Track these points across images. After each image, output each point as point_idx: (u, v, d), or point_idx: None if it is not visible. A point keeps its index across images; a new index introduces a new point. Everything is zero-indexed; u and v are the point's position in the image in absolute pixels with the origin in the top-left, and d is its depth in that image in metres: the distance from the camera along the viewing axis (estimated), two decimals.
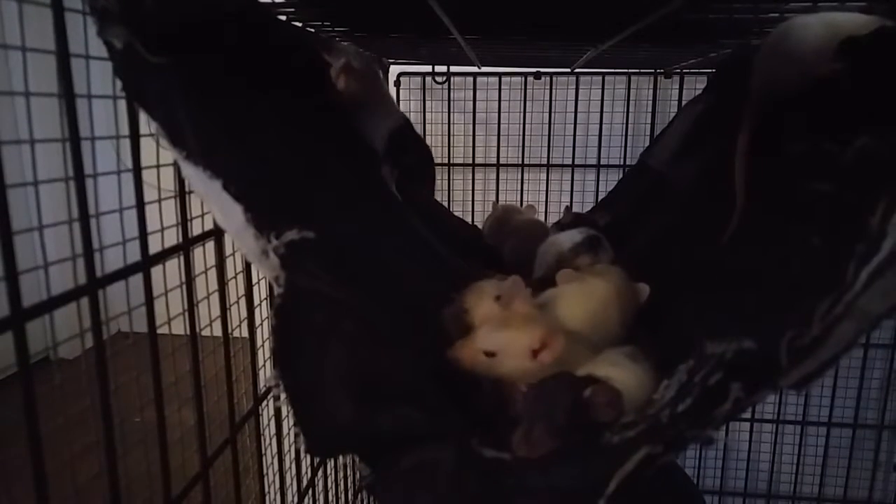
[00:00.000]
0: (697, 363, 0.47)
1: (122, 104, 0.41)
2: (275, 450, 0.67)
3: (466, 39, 0.79)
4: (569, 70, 1.20)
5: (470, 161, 1.29)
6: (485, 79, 1.26)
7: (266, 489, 0.65)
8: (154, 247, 0.44)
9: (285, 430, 0.67)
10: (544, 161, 1.28)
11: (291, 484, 0.71)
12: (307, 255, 0.48)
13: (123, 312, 0.46)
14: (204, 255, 0.52)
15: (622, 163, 1.26)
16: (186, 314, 0.48)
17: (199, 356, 0.50)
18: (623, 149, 1.26)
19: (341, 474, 0.92)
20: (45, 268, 0.38)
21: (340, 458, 0.87)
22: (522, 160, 1.29)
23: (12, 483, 0.37)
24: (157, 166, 0.47)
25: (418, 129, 1.27)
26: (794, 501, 1.32)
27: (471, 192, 1.30)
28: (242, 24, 0.53)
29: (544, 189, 1.29)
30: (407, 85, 1.28)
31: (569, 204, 1.25)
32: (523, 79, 1.25)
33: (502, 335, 0.56)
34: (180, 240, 0.47)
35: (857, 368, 1.24)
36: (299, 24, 0.76)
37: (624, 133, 1.25)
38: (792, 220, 0.52)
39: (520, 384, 0.54)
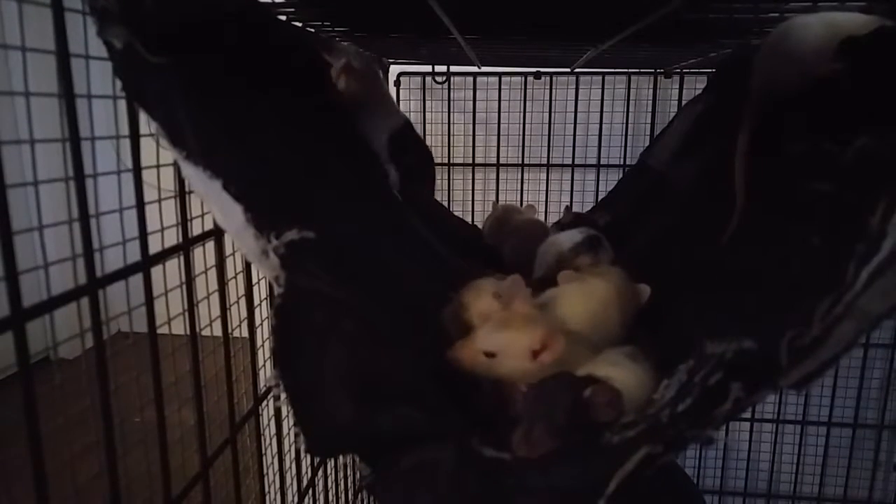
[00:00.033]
0: (697, 363, 0.47)
1: (122, 104, 0.41)
2: (275, 450, 0.67)
3: (466, 39, 0.79)
4: (569, 70, 1.20)
5: (470, 161, 1.29)
6: (485, 79, 1.26)
7: (266, 489, 0.65)
8: (154, 247, 0.44)
9: (285, 430, 0.67)
10: (544, 161, 1.28)
11: (291, 484, 0.71)
12: (307, 255, 0.48)
13: (123, 312, 0.46)
14: (204, 255, 0.52)
15: (622, 163, 1.26)
16: (186, 314, 0.48)
17: (199, 356, 0.50)
18: (623, 149, 1.26)
19: (341, 474, 0.92)
20: (45, 268, 0.38)
21: (340, 458, 0.87)
22: (522, 160, 1.29)
23: (12, 483, 0.37)
24: (157, 166, 0.47)
25: (418, 129, 1.27)
26: (794, 501, 1.32)
27: (471, 192, 1.30)
28: (242, 24, 0.53)
29: (544, 189, 1.29)
30: (407, 85, 1.28)
31: (569, 204, 1.25)
32: (523, 79, 1.25)
33: (502, 336, 0.56)
34: (180, 240, 0.47)
35: (857, 368, 1.24)
36: (299, 24, 0.76)
37: (624, 133, 1.25)
38: (792, 219, 0.52)
39: (520, 384, 0.54)
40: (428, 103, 1.28)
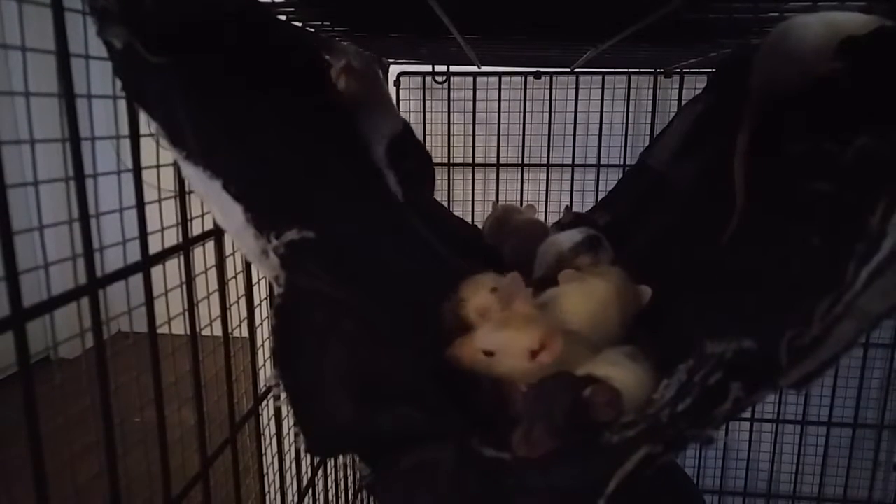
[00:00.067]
0: (697, 363, 0.47)
1: (122, 104, 0.41)
2: (275, 449, 0.67)
3: (466, 39, 0.79)
4: (569, 70, 1.20)
5: (470, 161, 1.29)
6: (485, 78, 1.26)
7: (266, 489, 0.65)
8: (154, 247, 0.44)
9: (285, 430, 0.67)
10: (544, 161, 1.28)
11: (291, 484, 0.71)
12: (307, 255, 0.48)
13: (123, 312, 0.46)
14: (204, 255, 0.52)
15: (622, 162, 1.26)
16: (186, 314, 0.48)
17: (199, 356, 0.50)
18: (623, 148, 1.26)
19: (341, 474, 0.92)
20: (45, 268, 0.38)
21: (340, 457, 0.87)
22: (522, 160, 1.29)
23: (12, 483, 0.37)
24: (157, 166, 0.47)
25: (418, 128, 1.27)
26: (794, 501, 1.32)
27: (471, 191, 1.30)
28: (242, 24, 0.53)
29: (544, 189, 1.29)
30: (407, 85, 1.28)
31: (569, 204, 1.25)
32: (523, 78, 1.25)
33: (501, 335, 0.56)
34: (180, 240, 0.47)
35: (857, 368, 1.24)
36: (299, 24, 0.76)
37: (624, 133, 1.25)
38: (792, 219, 0.52)
39: (519, 384, 0.54)
40: (428, 103, 1.28)
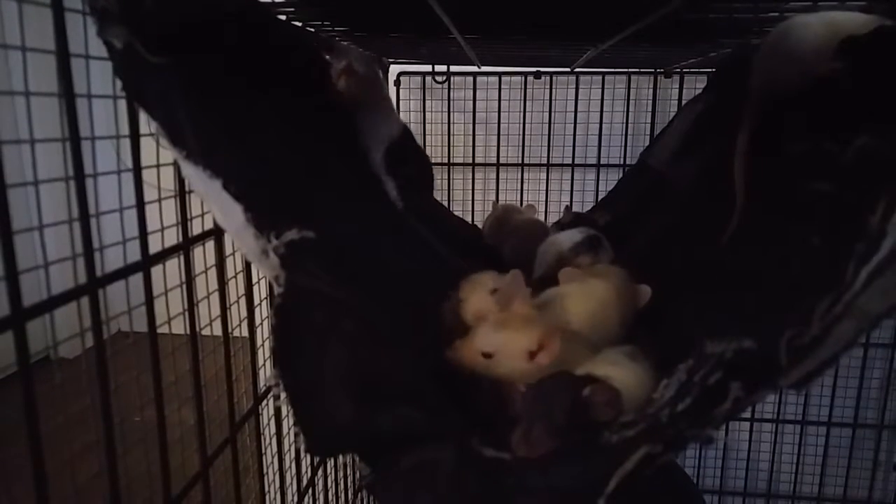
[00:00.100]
0: (697, 362, 0.47)
1: (122, 104, 0.41)
2: (275, 449, 0.67)
3: (466, 39, 0.79)
4: (569, 69, 1.20)
5: (470, 161, 1.29)
6: (485, 78, 1.26)
7: (266, 488, 0.65)
8: (154, 246, 0.44)
9: (285, 430, 0.67)
10: (544, 161, 1.28)
11: (291, 483, 0.71)
12: (307, 255, 0.48)
13: (123, 312, 0.46)
14: (204, 255, 0.52)
15: (622, 162, 1.26)
16: (186, 314, 0.48)
17: (199, 356, 0.50)
18: (623, 148, 1.26)
19: (341, 474, 0.92)
20: (45, 267, 0.38)
21: (340, 457, 0.87)
22: (522, 160, 1.29)
23: (12, 482, 0.37)
24: (157, 166, 0.47)
25: (418, 128, 1.27)
26: (794, 501, 1.32)
27: (471, 191, 1.30)
28: (242, 24, 0.53)
29: (544, 189, 1.29)
30: (407, 84, 1.28)
31: (569, 203, 1.25)
32: (523, 78, 1.25)
33: (500, 336, 0.56)
34: (180, 239, 0.47)
35: (856, 368, 1.24)
36: (299, 24, 0.76)
37: (624, 133, 1.25)
38: (792, 219, 0.52)
39: (519, 384, 0.54)
40: (428, 103, 1.28)
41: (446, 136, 1.28)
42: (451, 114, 1.27)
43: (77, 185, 0.36)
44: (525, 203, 1.23)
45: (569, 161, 1.28)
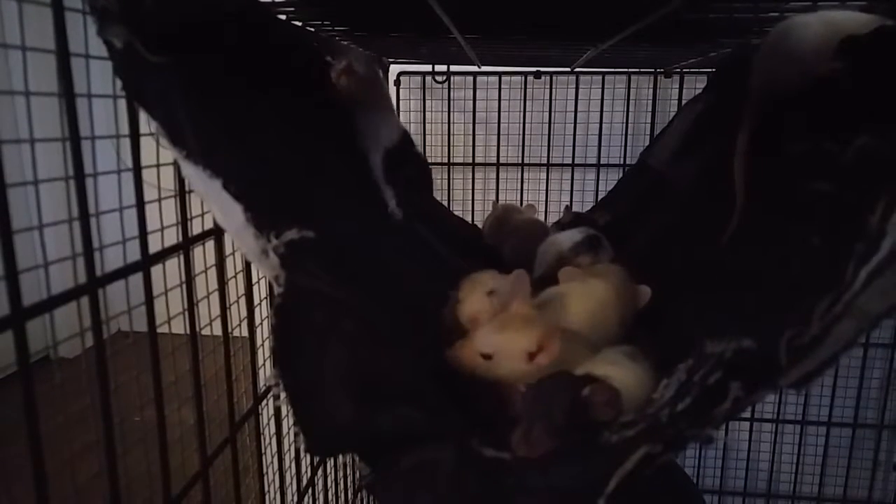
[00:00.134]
0: (697, 362, 0.47)
1: (122, 104, 0.41)
2: (274, 449, 0.67)
3: (466, 39, 0.79)
4: (569, 69, 1.20)
5: (470, 160, 1.29)
6: (485, 78, 1.26)
7: (266, 488, 0.65)
8: (154, 246, 0.44)
9: (285, 430, 0.67)
10: (544, 160, 1.28)
11: (291, 483, 0.71)
12: (307, 255, 0.48)
13: (123, 312, 0.46)
14: (204, 255, 0.52)
15: (622, 162, 1.26)
16: (186, 313, 0.48)
17: (198, 355, 0.50)
18: (623, 148, 1.26)
19: (341, 473, 0.92)
20: (45, 267, 0.38)
21: (340, 457, 0.87)
22: (522, 159, 1.29)
23: (12, 482, 0.37)
24: (157, 166, 0.47)
25: (418, 128, 1.27)
26: (794, 501, 1.32)
27: (471, 191, 1.30)
28: (242, 24, 0.53)
29: (544, 188, 1.29)
30: (407, 84, 1.28)
31: (569, 203, 1.25)
32: (523, 78, 1.25)
33: (499, 338, 0.56)
34: (180, 239, 0.47)
35: (856, 368, 1.24)
36: (299, 24, 0.76)
37: (624, 132, 1.25)
38: (792, 219, 0.52)
39: (518, 385, 0.54)
40: (428, 103, 1.28)
41: (446, 136, 1.28)
42: (451, 114, 1.27)
43: (77, 184, 0.36)
44: (525, 203, 1.23)
45: (569, 161, 1.28)
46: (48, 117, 0.37)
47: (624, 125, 1.25)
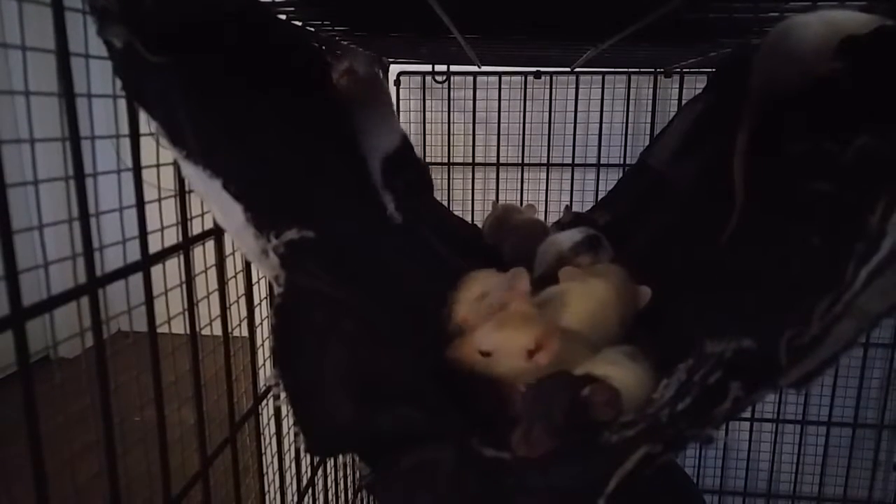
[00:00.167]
0: (697, 362, 0.47)
1: (122, 103, 0.41)
2: (274, 449, 0.67)
3: (466, 39, 0.79)
4: (569, 69, 1.20)
5: (470, 160, 1.29)
6: (485, 78, 1.26)
7: (266, 488, 0.65)
8: (154, 246, 0.44)
9: (285, 430, 0.67)
10: (544, 160, 1.28)
11: (291, 483, 0.71)
12: (307, 255, 0.48)
13: (123, 312, 0.46)
14: (204, 255, 0.52)
15: (622, 162, 1.26)
16: (186, 313, 0.48)
17: (198, 355, 0.50)
18: (623, 148, 1.26)
19: (341, 473, 0.92)
20: (45, 267, 0.38)
21: (340, 457, 0.87)
22: (522, 159, 1.29)
23: (12, 482, 0.37)
24: (157, 166, 0.47)
25: (418, 128, 1.27)
26: (794, 501, 1.32)
27: (471, 191, 1.30)
28: (242, 24, 0.53)
29: (544, 188, 1.29)
30: (407, 84, 1.28)
31: (568, 203, 1.25)
32: (523, 78, 1.25)
33: (498, 335, 0.56)
34: (180, 239, 0.47)
35: (856, 368, 1.24)
36: (299, 24, 0.76)
37: (624, 132, 1.25)
38: (792, 219, 0.52)
39: (518, 384, 0.54)
40: (428, 103, 1.28)
41: (446, 136, 1.28)
42: (451, 113, 1.27)
43: (77, 184, 0.36)
44: (525, 203, 1.23)
45: (569, 161, 1.28)
46: (48, 117, 0.37)
47: (624, 125, 1.25)
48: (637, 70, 1.23)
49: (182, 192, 0.47)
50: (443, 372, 0.57)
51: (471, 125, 1.28)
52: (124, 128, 0.41)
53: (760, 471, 1.34)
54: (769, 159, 0.60)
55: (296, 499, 0.72)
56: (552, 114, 1.26)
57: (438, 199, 1.13)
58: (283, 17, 0.71)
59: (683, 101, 1.16)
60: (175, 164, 0.45)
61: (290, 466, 0.70)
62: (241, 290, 0.58)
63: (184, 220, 0.47)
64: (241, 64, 0.51)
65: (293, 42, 0.68)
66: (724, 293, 0.56)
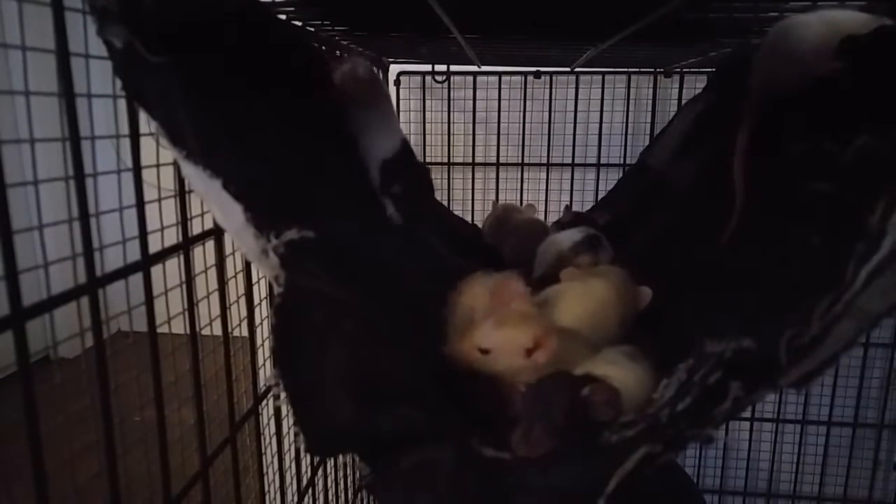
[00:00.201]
0: (697, 362, 0.47)
1: (122, 103, 0.41)
2: (275, 449, 0.67)
3: (466, 39, 0.79)
4: (569, 69, 1.20)
5: (470, 160, 1.29)
6: (485, 78, 1.26)
7: (266, 488, 0.65)
8: (154, 246, 0.44)
9: (285, 430, 0.67)
10: (544, 160, 1.28)
11: (291, 483, 0.71)
12: (307, 255, 0.48)
13: (123, 312, 0.46)
14: (204, 255, 0.52)
15: (622, 162, 1.26)
16: (186, 313, 0.48)
17: (198, 355, 0.50)
18: (623, 148, 1.26)
19: (341, 473, 0.92)
20: (45, 267, 0.38)
21: (340, 457, 0.88)
22: (522, 159, 1.29)
23: (12, 482, 0.37)
24: (157, 166, 0.47)
25: (418, 128, 1.27)
26: (794, 500, 1.32)
27: (471, 191, 1.30)
28: (242, 24, 0.53)
29: (544, 188, 1.29)
30: (407, 84, 1.28)
31: (568, 203, 1.25)
32: (523, 78, 1.25)
33: (497, 333, 0.56)
34: (180, 239, 0.47)
35: (857, 367, 1.24)
36: (299, 24, 0.76)
37: (624, 132, 1.25)
38: (792, 219, 0.52)
39: (518, 384, 0.54)
40: (428, 102, 1.28)
41: (446, 136, 1.28)
42: (451, 113, 1.27)
43: (77, 184, 0.36)
44: (525, 203, 1.23)
45: (569, 161, 1.28)
46: (48, 117, 0.37)
47: (624, 125, 1.25)
48: (637, 70, 1.23)
49: (182, 192, 0.47)
50: (443, 372, 0.57)
51: (471, 125, 1.28)
52: (124, 128, 0.41)
53: (760, 470, 1.34)
54: (769, 159, 0.60)
55: (296, 499, 0.72)
56: (552, 114, 1.26)
57: (438, 199, 1.13)
58: (283, 17, 0.71)
59: (683, 101, 1.16)
60: (175, 164, 0.45)
61: (290, 466, 0.70)
62: (241, 290, 0.58)
63: (184, 220, 0.47)
64: (241, 64, 0.51)
65: (293, 42, 0.68)
66: (724, 293, 0.56)
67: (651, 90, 1.23)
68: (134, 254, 0.42)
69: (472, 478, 0.46)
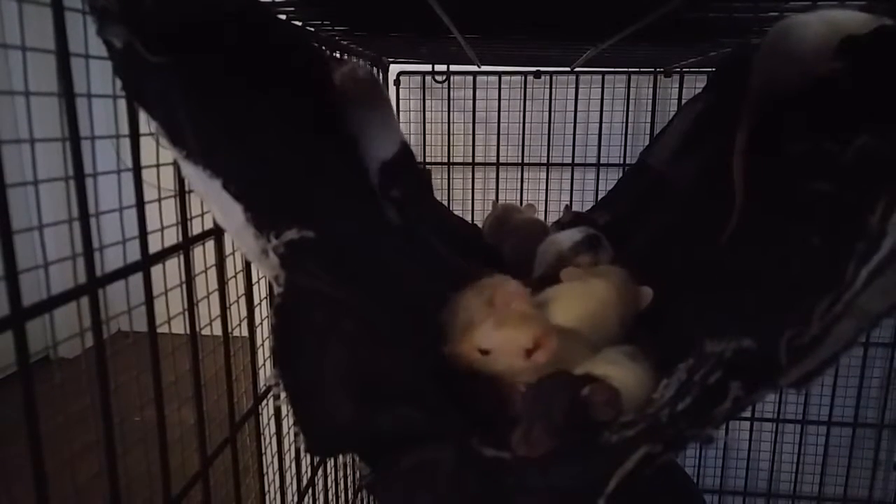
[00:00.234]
0: (697, 362, 0.47)
1: (122, 104, 0.41)
2: (275, 449, 0.67)
3: (466, 38, 0.79)
4: (569, 69, 1.20)
5: (470, 160, 1.29)
6: (485, 78, 1.26)
7: (266, 488, 0.65)
8: (154, 246, 0.44)
9: (285, 430, 0.67)
10: (544, 160, 1.28)
11: (291, 483, 0.71)
12: (307, 255, 0.48)
13: (123, 312, 0.46)
14: (204, 255, 0.52)
15: (622, 162, 1.26)
16: (186, 313, 0.48)
17: (198, 355, 0.50)
18: (623, 148, 1.26)
19: (341, 473, 0.92)
20: (45, 267, 0.38)
21: (340, 457, 0.88)
22: (522, 159, 1.29)
23: (12, 482, 0.37)
24: (157, 166, 0.47)
25: (418, 128, 1.27)
26: (794, 500, 1.32)
27: (470, 191, 1.30)
28: (242, 24, 0.53)
29: (544, 188, 1.29)
30: (407, 84, 1.28)
31: (568, 203, 1.25)
32: (523, 78, 1.25)
33: (497, 334, 0.56)
34: (180, 239, 0.47)
35: (857, 367, 1.24)
36: (299, 24, 0.76)
37: (624, 132, 1.25)
38: (792, 219, 0.52)
39: (518, 384, 0.54)
40: (428, 102, 1.28)
41: (446, 136, 1.28)
42: (451, 113, 1.28)
43: (77, 184, 0.36)
44: (525, 202, 1.23)
45: (568, 161, 1.28)
46: (48, 117, 0.37)
47: (624, 125, 1.25)
48: (637, 70, 1.23)
49: (182, 192, 0.47)
50: (443, 372, 0.57)
51: (471, 125, 1.28)
52: (124, 128, 0.41)
53: (760, 470, 1.34)
54: (769, 159, 0.60)
55: (296, 499, 0.72)
56: (552, 113, 1.26)
57: (438, 199, 1.13)
58: (283, 17, 0.71)
59: (683, 101, 1.16)
60: (175, 164, 0.45)
61: (290, 466, 0.70)
62: (241, 290, 0.58)
63: (184, 220, 0.47)
64: (241, 64, 0.51)
65: (293, 42, 0.68)
66: (724, 293, 0.56)
67: (651, 90, 1.23)
68: (134, 254, 0.42)
69: (472, 478, 0.46)
